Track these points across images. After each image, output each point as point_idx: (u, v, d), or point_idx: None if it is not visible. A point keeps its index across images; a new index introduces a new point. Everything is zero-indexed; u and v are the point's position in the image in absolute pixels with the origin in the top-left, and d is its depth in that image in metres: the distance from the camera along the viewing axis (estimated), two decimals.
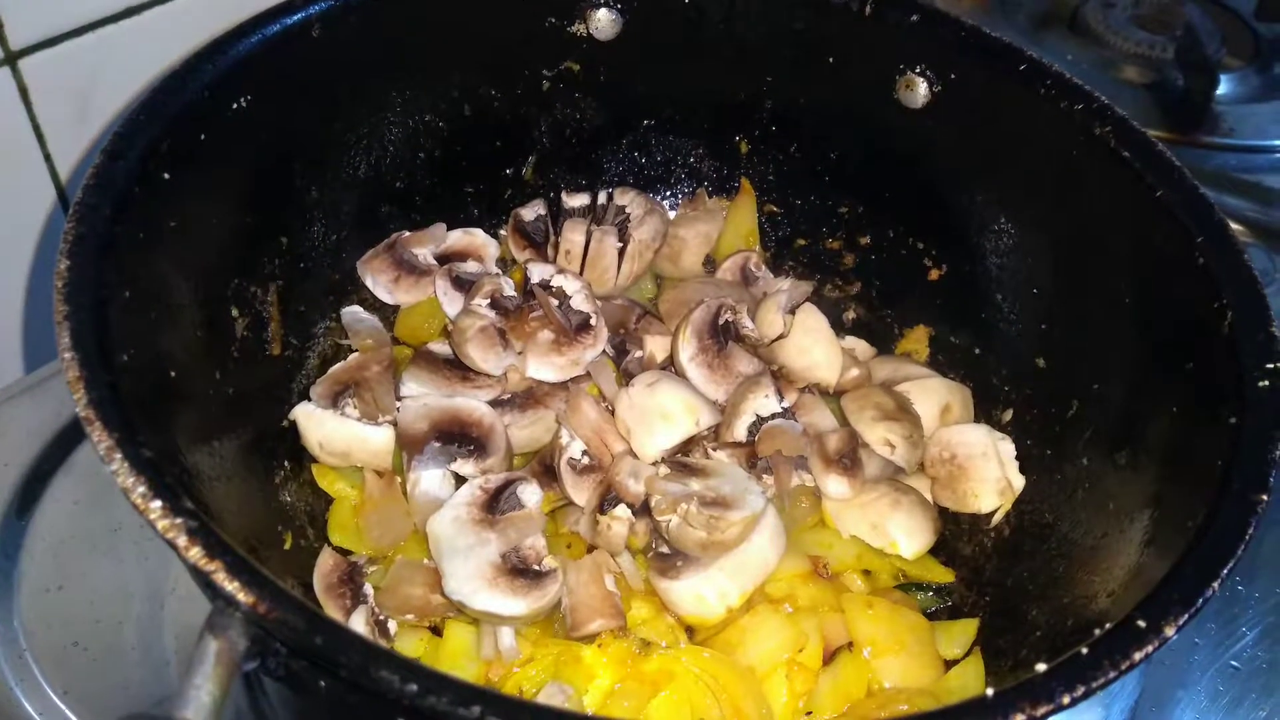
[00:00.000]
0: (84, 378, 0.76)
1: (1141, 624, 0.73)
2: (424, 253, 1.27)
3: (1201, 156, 1.84)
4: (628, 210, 1.37)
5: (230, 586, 0.68)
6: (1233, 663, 1.23)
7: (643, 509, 1.07)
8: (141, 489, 0.71)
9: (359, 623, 0.95)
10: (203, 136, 1.01)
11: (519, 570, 1.01)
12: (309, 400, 1.17)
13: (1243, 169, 1.82)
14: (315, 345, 1.25)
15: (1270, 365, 0.88)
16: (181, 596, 1.18)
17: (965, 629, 1.09)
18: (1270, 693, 1.21)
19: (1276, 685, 1.21)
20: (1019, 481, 1.17)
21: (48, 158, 1.40)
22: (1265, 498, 0.80)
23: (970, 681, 1.03)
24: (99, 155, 0.93)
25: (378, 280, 1.27)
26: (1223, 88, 1.95)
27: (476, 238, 1.35)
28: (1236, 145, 1.87)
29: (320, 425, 1.14)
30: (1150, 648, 0.72)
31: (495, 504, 1.04)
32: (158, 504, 0.71)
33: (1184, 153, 1.84)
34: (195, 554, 0.69)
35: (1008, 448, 1.18)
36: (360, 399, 1.16)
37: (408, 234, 1.29)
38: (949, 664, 1.07)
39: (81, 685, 1.10)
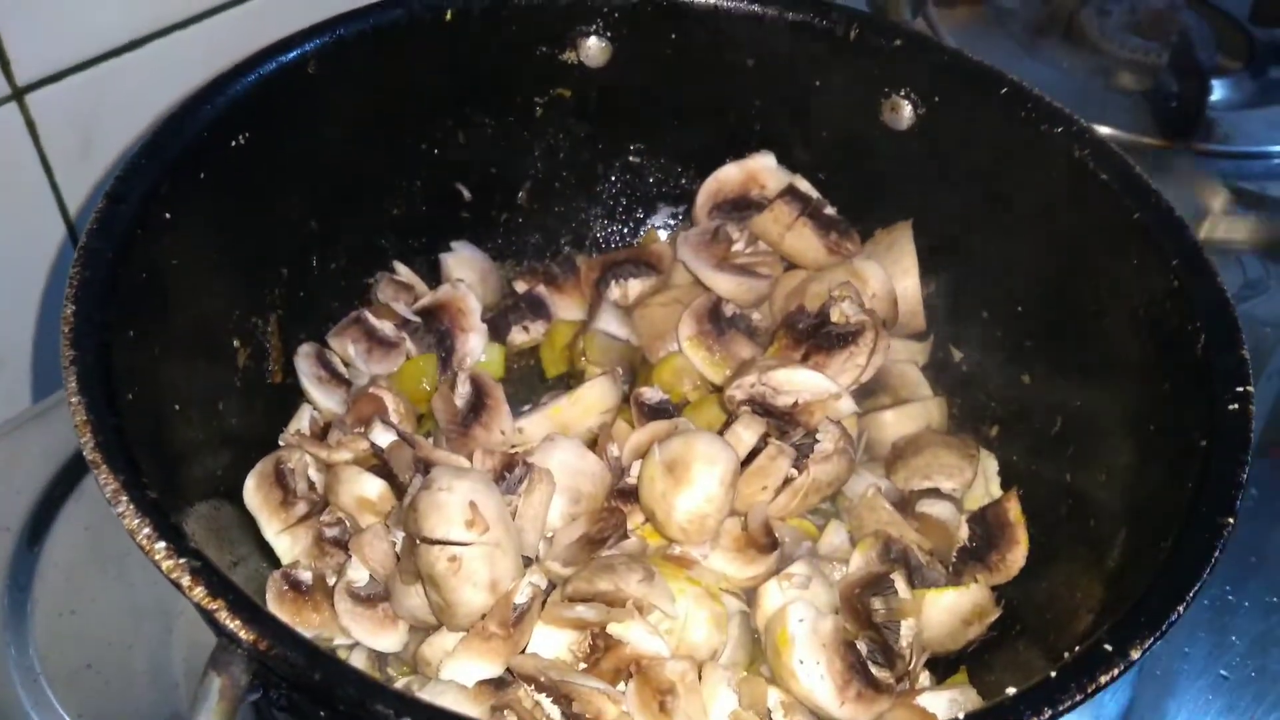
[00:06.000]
0: (90, 421, 0.79)
1: (1108, 648, 0.76)
2: (387, 326, 1.26)
3: (1196, 163, 1.84)
4: None
5: (232, 624, 0.71)
6: (1222, 672, 1.24)
7: None
8: (147, 530, 0.75)
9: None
10: (203, 175, 1.04)
11: None
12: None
13: (1237, 175, 1.81)
14: None
15: (1240, 389, 0.90)
16: (190, 619, 1.21)
17: None
18: (1260, 700, 1.22)
19: (1266, 693, 1.22)
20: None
21: (54, 188, 1.43)
22: (1232, 521, 0.82)
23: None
24: (101, 198, 0.95)
25: (355, 350, 1.25)
26: (1217, 93, 1.93)
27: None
28: (1231, 151, 1.85)
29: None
30: (1116, 671, 0.75)
31: None
32: (162, 545, 0.74)
33: (1178, 159, 1.86)
34: (198, 593, 0.72)
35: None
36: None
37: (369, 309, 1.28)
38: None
39: (94, 708, 1.13)
